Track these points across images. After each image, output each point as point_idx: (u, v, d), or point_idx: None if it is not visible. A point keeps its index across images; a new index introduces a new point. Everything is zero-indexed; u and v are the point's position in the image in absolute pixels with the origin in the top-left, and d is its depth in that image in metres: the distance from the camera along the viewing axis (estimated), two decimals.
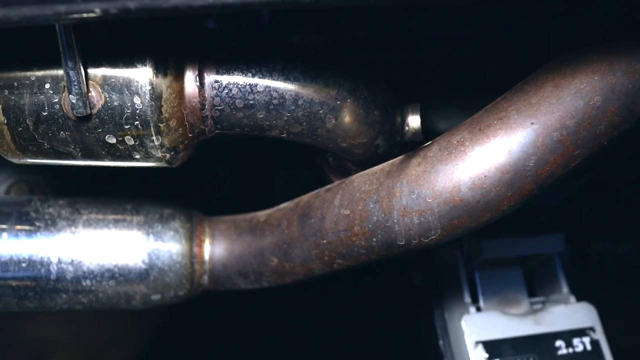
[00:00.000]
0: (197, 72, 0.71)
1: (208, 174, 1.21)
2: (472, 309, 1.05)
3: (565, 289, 1.12)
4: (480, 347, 1.00)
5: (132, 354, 2.64)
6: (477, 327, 1.02)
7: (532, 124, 0.68)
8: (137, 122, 0.68)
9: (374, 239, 0.77)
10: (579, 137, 0.68)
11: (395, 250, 0.77)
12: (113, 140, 0.69)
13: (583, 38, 0.70)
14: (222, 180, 1.23)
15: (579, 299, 1.11)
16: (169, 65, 0.68)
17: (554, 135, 0.67)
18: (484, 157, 0.69)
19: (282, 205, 0.92)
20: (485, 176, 0.69)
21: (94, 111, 0.67)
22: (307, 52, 0.78)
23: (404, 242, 0.75)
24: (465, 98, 0.93)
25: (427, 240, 0.74)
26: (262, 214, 0.94)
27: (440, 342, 1.08)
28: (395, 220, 0.74)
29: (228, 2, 0.52)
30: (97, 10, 0.52)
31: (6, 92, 0.68)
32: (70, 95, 0.65)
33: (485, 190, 0.69)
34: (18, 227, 0.88)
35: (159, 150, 0.71)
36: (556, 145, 0.67)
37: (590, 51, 0.68)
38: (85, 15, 0.52)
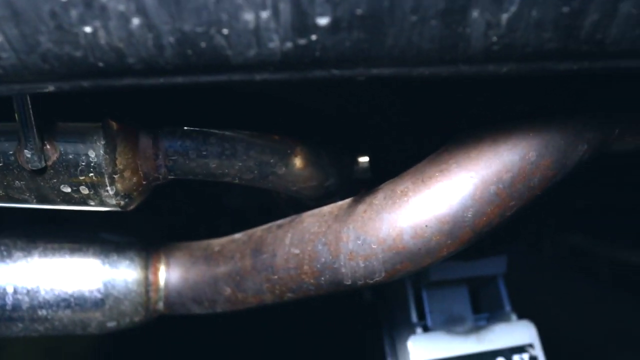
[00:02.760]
0: (151, 124, 0.73)
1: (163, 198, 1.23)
2: (419, 329, 1.10)
3: (507, 307, 1.17)
4: None
5: (90, 345, 2.65)
6: (423, 347, 1.07)
7: (471, 177, 0.72)
8: (92, 174, 0.69)
9: (322, 278, 0.80)
10: (514, 190, 0.72)
11: (342, 289, 0.81)
12: (68, 190, 0.71)
13: (519, 101, 0.74)
14: (178, 203, 1.24)
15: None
16: (123, 119, 0.70)
17: (492, 189, 0.71)
18: (425, 208, 0.72)
19: (236, 236, 0.94)
20: (426, 226, 0.72)
21: (49, 163, 0.69)
22: (258, 102, 0.80)
23: (350, 282, 0.79)
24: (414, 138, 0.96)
25: (372, 282, 0.78)
26: (216, 243, 0.97)
27: None
28: (342, 263, 0.77)
29: (178, 82, 0.54)
30: (51, 88, 0.53)
31: None
32: (25, 150, 0.66)
33: (426, 239, 0.73)
34: None
35: (113, 199, 0.72)
36: (493, 197, 0.72)
37: (526, 110, 0.73)
38: (38, 90, 0.54)
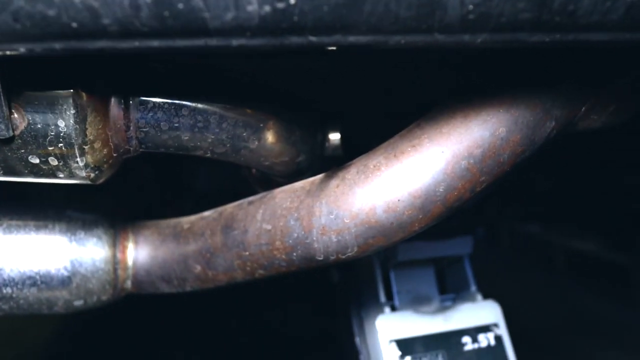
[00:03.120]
0: (122, 95, 0.72)
1: (129, 175, 1.21)
2: (387, 309, 1.11)
3: (473, 287, 1.19)
4: (394, 345, 1.06)
5: (54, 329, 2.61)
6: (391, 326, 1.08)
7: (442, 152, 0.72)
8: (61, 144, 0.68)
9: (294, 254, 0.80)
10: (484, 165, 0.73)
11: (314, 264, 0.81)
12: (36, 161, 0.70)
13: (490, 77, 0.75)
14: (145, 180, 1.23)
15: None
16: (94, 88, 0.69)
17: (463, 164, 0.72)
18: (398, 183, 0.73)
19: (206, 214, 0.94)
20: (398, 200, 0.73)
21: (17, 133, 0.67)
22: (232, 75, 0.80)
23: (322, 258, 0.79)
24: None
25: (344, 257, 0.78)
26: (185, 221, 0.96)
27: (357, 339, 1.14)
28: (314, 238, 0.77)
29: (153, 46, 0.53)
30: (22, 50, 0.52)
31: None
32: None
33: (399, 213, 0.73)
34: None
35: (83, 170, 0.71)
36: (464, 172, 0.73)
37: (496, 86, 0.74)
38: (8, 52, 0.53)
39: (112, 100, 0.71)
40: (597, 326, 2.64)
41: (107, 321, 2.52)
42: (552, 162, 1.39)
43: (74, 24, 0.49)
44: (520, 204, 1.56)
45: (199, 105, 0.73)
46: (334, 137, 0.86)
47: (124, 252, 0.95)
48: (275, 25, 0.51)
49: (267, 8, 0.49)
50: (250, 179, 0.95)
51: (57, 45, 0.52)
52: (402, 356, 1.06)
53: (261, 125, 0.76)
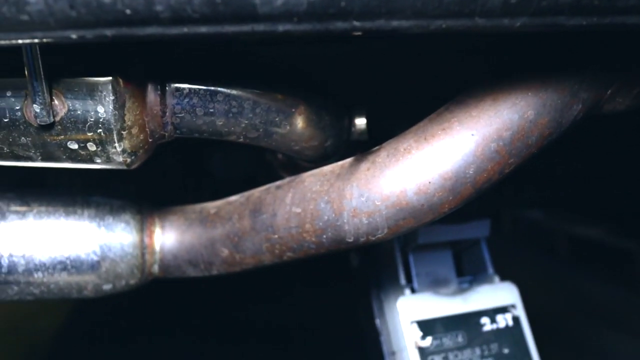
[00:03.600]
0: (159, 81, 0.73)
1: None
2: (407, 291, 1.13)
3: (490, 270, 1.21)
4: (415, 326, 1.08)
5: (53, 324, 2.63)
6: (412, 308, 1.10)
7: (472, 135, 0.74)
8: (100, 130, 0.69)
9: (324, 236, 0.82)
10: (513, 147, 0.74)
11: (343, 246, 0.83)
12: (75, 147, 0.71)
13: (518, 61, 0.77)
14: (168, 167, 1.24)
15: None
16: (132, 75, 0.70)
17: (492, 146, 0.74)
18: (428, 165, 0.74)
19: (232, 199, 0.95)
20: (429, 182, 0.75)
21: (57, 119, 0.68)
22: (265, 61, 0.81)
23: (352, 240, 0.80)
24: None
25: (374, 238, 0.80)
26: (211, 206, 0.98)
27: (377, 321, 1.16)
28: (345, 220, 0.79)
29: (201, 32, 0.54)
30: (73, 36, 0.53)
31: None
32: (34, 105, 0.65)
33: (429, 195, 0.75)
34: None
35: (120, 156, 0.72)
36: (493, 154, 0.74)
37: (524, 70, 0.75)
38: (59, 40, 0.54)
39: (149, 86, 0.73)
40: (602, 311, 2.67)
41: (125, 309, 2.54)
42: (565, 146, 1.40)
43: (128, 11, 0.50)
44: (536, 189, 1.57)
45: (234, 91, 0.74)
46: (360, 122, 0.88)
47: (151, 236, 0.97)
48: (322, 11, 0.52)
49: None
50: (276, 164, 0.96)
51: (108, 32, 0.53)
52: (423, 337, 1.08)
53: (292, 110, 0.78)
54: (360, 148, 0.89)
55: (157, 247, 0.97)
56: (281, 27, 0.54)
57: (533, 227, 3.93)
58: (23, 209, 0.91)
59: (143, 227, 0.96)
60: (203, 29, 0.54)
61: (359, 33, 0.57)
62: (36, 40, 0.53)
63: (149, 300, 2.48)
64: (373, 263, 1.22)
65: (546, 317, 2.47)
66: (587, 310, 2.70)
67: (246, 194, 0.94)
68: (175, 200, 1.07)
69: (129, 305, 2.55)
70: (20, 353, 2.54)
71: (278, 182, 0.90)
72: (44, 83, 0.65)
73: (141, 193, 1.12)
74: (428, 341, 1.08)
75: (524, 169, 0.79)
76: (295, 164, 0.92)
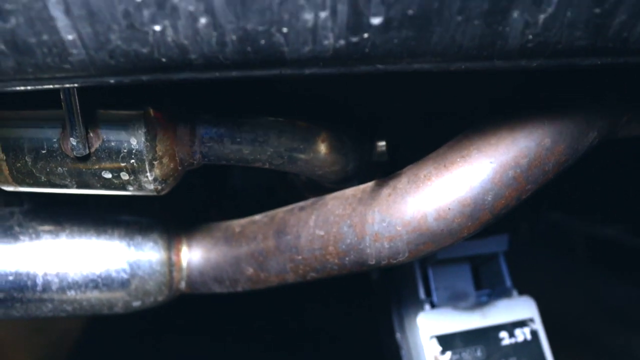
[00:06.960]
0: (188, 112, 0.76)
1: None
2: (427, 306, 1.15)
3: (508, 283, 1.23)
4: (435, 340, 1.11)
5: (77, 325, 2.67)
6: (431, 323, 1.12)
7: (490, 162, 0.76)
8: (133, 160, 0.72)
9: (347, 259, 0.84)
10: (530, 174, 0.76)
11: (365, 268, 0.86)
12: (109, 176, 0.74)
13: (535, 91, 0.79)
14: (191, 182, 1.27)
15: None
16: (163, 107, 0.73)
17: (510, 173, 0.76)
18: (448, 192, 0.77)
19: (256, 218, 0.98)
20: (449, 208, 0.77)
21: (92, 150, 0.71)
22: (288, 90, 0.83)
23: (374, 262, 0.83)
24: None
25: (395, 261, 0.82)
26: (236, 224, 1.01)
27: (397, 335, 1.18)
28: (367, 244, 0.82)
29: (231, 76, 0.57)
30: (112, 81, 0.56)
31: (6, 130, 0.71)
32: (70, 138, 0.69)
33: (449, 220, 0.77)
34: (3, 241, 0.92)
35: (152, 184, 0.76)
36: (511, 181, 0.76)
37: (541, 100, 0.77)
38: (98, 84, 0.57)
39: (179, 117, 0.76)
40: (621, 312, 2.66)
41: (150, 310, 2.56)
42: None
43: (164, 59, 0.53)
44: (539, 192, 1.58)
45: (259, 120, 0.77)
46: (381, 144, 0.90)
47: (178, 254, 1.00)
48: (347, 57, 0.55)
49: (341, 42, 0.53)
50: (299, 185, 0.99)
51: (145, 77, 0.56)
52: (443, 351, 1.10)
53: (315, 137, 0.80)
54: (381, 167, 0.92)
55: (184, 265, 1.01)
56: (307, 71, 0.57)
57: (551, 228, 3.92)
58: (56, 228, 0.95)
59: (170, 245, 1.00)
60: (233, 73, 0.57)
61: (382, 73, 0.60)
62: (76, 85, 0.56)
63: (175, 302, 2.52)
64: (393, 277, 1.24)
65: (564, 319, 2.48)
66: (606, 312, 2.69)
67: (270, 213, 0.96)
68: (197, 215, 1.10)
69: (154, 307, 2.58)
70: (45, 354, 2.58)
71: (301, 203, 0.93)
72: (80, 118, 0.68)
73: (165, 208, 1.15)
74: (447, 356, 1.10)
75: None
76: (318, 185, 0.95)
